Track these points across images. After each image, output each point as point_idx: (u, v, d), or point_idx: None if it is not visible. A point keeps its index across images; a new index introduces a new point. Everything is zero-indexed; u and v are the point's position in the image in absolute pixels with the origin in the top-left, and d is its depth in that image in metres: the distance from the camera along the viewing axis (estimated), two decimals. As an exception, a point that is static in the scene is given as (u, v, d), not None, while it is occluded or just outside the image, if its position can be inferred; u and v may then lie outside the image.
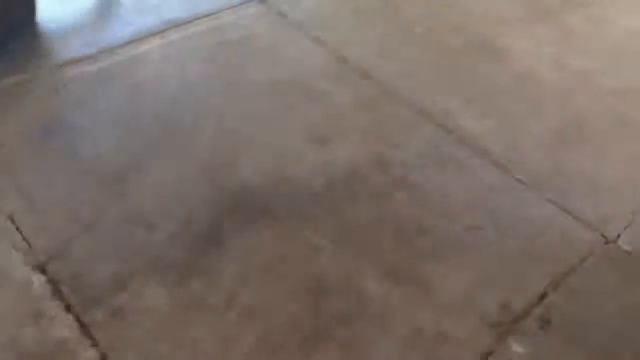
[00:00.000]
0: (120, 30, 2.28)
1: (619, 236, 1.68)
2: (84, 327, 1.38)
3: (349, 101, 2.09)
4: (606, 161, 1.92)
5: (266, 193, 1.75)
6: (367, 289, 1.52)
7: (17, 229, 1.58)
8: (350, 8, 2.57)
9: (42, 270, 1.49)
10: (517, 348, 1.42)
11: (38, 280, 1.47)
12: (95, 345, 1.35)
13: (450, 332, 1.44)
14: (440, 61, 2.30)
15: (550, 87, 2.21)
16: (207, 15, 2.41)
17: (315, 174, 1.81)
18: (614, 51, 2.40)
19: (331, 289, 1.52)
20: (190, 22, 2.37)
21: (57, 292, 1.45)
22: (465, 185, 1.83)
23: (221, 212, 1.67)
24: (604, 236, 1.68)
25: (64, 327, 1.38)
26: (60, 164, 1.78)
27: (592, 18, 2.57)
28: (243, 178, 1.78)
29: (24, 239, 1.56)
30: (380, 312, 1.47)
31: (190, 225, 1.63)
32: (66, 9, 2.39)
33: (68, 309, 1.41)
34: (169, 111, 1.99)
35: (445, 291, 1.53)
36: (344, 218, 1.70)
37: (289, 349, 1.38)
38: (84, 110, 1.96)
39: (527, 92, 2.18)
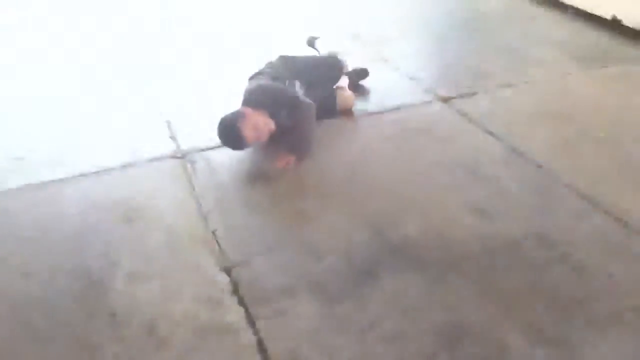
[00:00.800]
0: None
1: None
2: (250, 318, 1.63)
3: (515, 184, 2.18)
4: None
5: (423, 246, 1.89)
6: (508, 341, 1.52)
7: (217, 241, 1.96)
8: (528, 111, 2.73)
9: (228, 272, 1.81)
10: None
11: (223, 278, 1.79)
12: (255, 332, 1.58)
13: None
14: (615, 161, 2.29)
15: None
16: (394, 109, 2.78)
17: (472, 239, 1.91)
18: None
19: (470, 334, 1.55)
20: (380, 113, 2.76)
21: (235, 290, 1.74)
22: (636, 271, 1.75)
23: (381, 255, 1.85)
24: None
25: (234, 314, 1.64)
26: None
27: None
28: (404, 231, 1.95)
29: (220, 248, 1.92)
30: (519, 365, 1.45)
31: (351, 260, 1.84)
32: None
33: (241, 302, 1.69)
34: (350, 174, 2.31)
35: None
36: (495, 277, 1.75)
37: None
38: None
39: None
